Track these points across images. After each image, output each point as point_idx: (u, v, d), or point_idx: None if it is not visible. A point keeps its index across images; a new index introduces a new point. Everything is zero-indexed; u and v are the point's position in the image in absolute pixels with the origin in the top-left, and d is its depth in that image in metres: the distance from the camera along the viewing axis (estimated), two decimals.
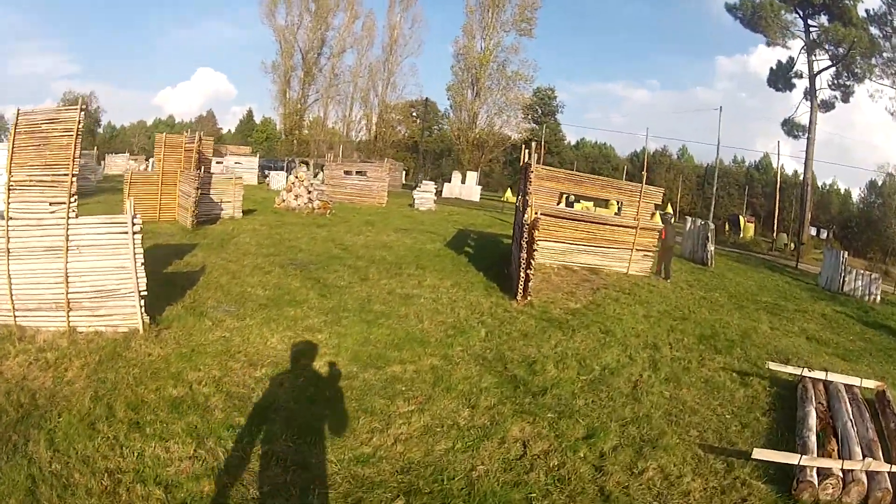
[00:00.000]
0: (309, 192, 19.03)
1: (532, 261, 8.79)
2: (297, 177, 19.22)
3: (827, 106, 32.28)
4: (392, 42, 51.00)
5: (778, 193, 35.69)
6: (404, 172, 52.46)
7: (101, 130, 61.37)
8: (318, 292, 8.41)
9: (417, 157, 54.66)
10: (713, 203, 39.60)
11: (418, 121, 58.59)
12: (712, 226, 17.72)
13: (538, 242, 9.20)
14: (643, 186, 13.39)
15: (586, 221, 13.26)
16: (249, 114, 71.54)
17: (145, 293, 6.41)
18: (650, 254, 13.48)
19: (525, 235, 8.92)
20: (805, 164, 32.56)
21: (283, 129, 55.30)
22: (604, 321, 8.38)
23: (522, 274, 8.91)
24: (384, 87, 52.65)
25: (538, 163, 13.74)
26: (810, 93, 31.86)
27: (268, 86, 67.83)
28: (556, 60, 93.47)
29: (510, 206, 24.23)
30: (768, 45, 31.71)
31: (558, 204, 15.13)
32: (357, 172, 27.61)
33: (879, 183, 41.42)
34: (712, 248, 17.21)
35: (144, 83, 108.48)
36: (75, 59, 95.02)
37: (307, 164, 40.30)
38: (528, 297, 8.98)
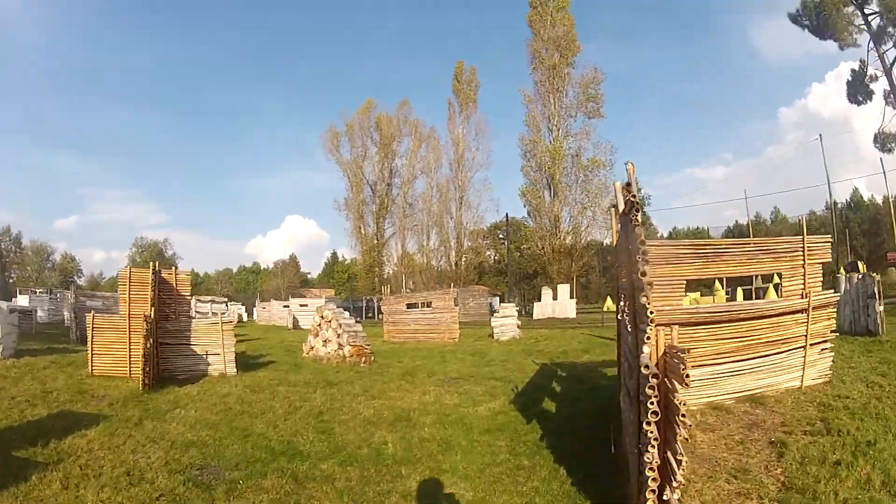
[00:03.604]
0: (339, 336, 14.60)
1: (677, 448, 3.16)
2: (322, 316, 14.98)
3: None
4: (458, 157, 49.11)
5: (894, 220, 29.88)
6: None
7: None
8: None
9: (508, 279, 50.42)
10: (838, 253, 31.31)
11: (504, 242, 55.22)
12: (876, 277, 12.28)
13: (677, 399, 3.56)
14: (805, 239, 7.42)
15: (734, 320, 7.27)
16: (334, 256, 73.00)
17: None
18: (829, 345, 7.46)
19: (649, 392, 3.37)
20: None
21: (363, 266, 53.86)
22: None
23: (650, 472, 3.24)
24: (458, 208, 50.13)
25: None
26: (891, 89, 29.35)
27: (343, 223, 68.81)
28: (635, 157, 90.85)
29: (611, 314, 18.31)
30: (841, 48, 31.11)
31: (684, 299, 9.34)
32: (422, 305, 23.14)
33: None
34: (881, 309, 11.84)
35: (237, 233, 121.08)
36: (161, 210, 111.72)
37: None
38: None
